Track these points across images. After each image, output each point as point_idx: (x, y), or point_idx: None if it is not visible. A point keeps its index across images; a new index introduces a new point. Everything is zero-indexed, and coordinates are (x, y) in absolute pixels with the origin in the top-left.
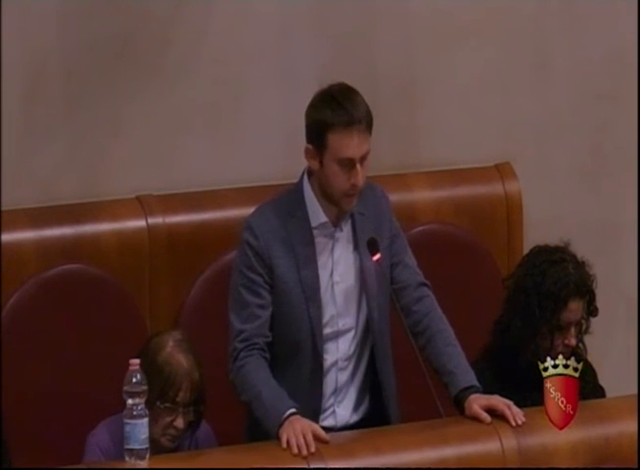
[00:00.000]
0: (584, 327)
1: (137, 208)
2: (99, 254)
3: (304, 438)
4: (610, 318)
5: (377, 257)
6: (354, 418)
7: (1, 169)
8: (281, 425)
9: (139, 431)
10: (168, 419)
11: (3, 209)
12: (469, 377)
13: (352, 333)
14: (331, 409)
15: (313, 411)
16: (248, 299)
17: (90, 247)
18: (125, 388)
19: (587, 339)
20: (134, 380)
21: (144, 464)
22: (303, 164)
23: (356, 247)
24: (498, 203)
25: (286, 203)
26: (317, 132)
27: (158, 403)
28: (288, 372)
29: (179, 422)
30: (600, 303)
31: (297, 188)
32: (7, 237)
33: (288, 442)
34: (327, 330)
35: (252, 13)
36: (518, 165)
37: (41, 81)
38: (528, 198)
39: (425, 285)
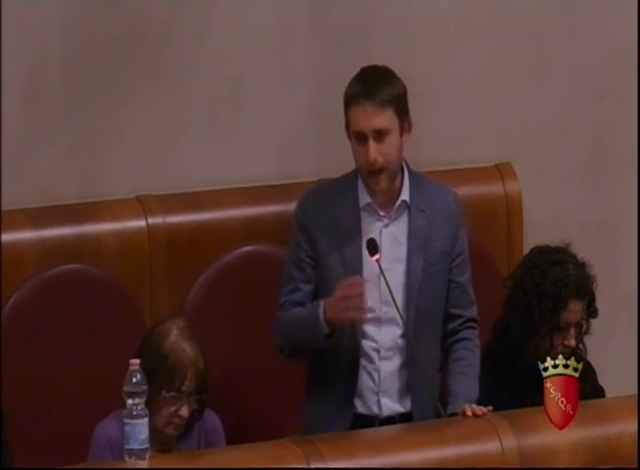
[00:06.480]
0: (584, 328)
1: (137, 208)
2: (99, 254)
3: (350, 297)
4: (610, 318)
5: (376, 256)
6: (400, 410)
7: (1, 169)
8: (325, 315)
9: (139, 431)
10: (173, 408)
11: (3, 209)
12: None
13: (397, 323)
14: (375, 398)
15: (347, 394)
16: (293, 273)
17: (90, 247)
18: (125, 388)
19: (587, 339)
20: (134, 380)
21: (144, 464)
22: (303, 163)
23: (408, 239)
24: (498, 203)
25: (343, 182)
26: (344, 107)
27: (163, 392)
28: (326, 353)
29: (184, 411)
30: (600, 303)
31: (356, 169)
32: (7, 237)
33: (342, 314)
34: (368, 314)
35: (252, 13)
36: (518, 165)
37: (41, 81)
38: (528, 198)
39: (474, 320)
